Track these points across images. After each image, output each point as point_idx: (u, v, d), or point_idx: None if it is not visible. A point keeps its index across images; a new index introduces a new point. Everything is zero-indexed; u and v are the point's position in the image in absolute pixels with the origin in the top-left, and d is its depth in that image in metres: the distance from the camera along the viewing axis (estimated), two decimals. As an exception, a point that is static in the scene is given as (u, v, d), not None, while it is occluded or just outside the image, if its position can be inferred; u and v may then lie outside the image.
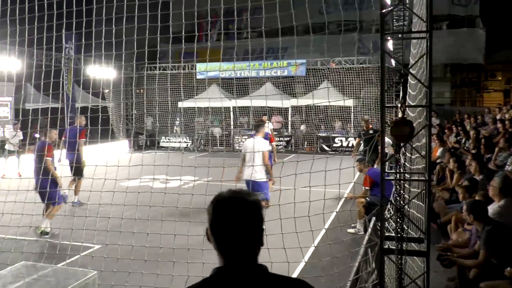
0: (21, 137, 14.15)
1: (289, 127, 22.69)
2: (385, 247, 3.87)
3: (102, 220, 8.21)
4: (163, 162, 5.16)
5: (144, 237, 4.61)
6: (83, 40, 5.62)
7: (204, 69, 22.24)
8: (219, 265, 1.64)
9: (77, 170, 9.43)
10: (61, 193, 8.52)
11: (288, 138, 21.45)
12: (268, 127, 17.23)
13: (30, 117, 7.34)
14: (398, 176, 3.85)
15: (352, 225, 8.02)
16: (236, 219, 1.60)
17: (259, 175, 7.22)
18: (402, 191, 3.84)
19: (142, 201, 5.31)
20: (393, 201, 4.05)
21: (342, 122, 21.59)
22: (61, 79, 19.27)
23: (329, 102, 14.62)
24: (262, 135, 7.92)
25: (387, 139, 20.65)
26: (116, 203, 8.12)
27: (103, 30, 5.36)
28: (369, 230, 5.64)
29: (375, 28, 21.55)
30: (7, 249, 5.59)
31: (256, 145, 7.39)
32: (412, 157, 4.78)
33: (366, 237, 5.13)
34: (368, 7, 21.31)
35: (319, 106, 20.84)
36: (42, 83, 6.23)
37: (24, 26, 5.57)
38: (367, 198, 7.92)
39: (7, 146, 14.55)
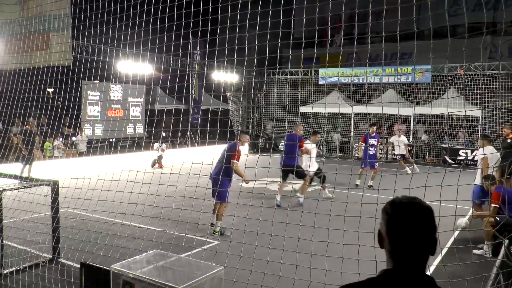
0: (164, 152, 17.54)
1: (411, 136, 21.59)
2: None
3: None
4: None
5: (267, 238, 4.68)
6: (216, 46, 5.93)
7: (326, 75, 22.17)
8: (387, 267, 1.65)
9: (299, 173, 9.72)
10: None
11: (410, 148, 20.37)
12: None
13: (158, 117, 7.95)
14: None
15: (478, 246, 7.41)
16: (415, 223, 1.60)
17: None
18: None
19: (267, 203, 5.43)
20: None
21: (469, 134, 19.97)
22: (188, 82, 20.73)
23: (465, 111, 13.79)
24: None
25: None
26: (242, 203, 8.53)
27: (226, 37, 5.62)
28: (501, 253, 5.15)
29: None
30: (139, 236, 6.16)
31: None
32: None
33: (498, 261, 4.68)
34: (507, 6, 19.43)
35: (443, 115, 19.56)
36: (176, 86, 6.70)
37: (162, 35, 6.05)
38: (496, 218, 7.27)
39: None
